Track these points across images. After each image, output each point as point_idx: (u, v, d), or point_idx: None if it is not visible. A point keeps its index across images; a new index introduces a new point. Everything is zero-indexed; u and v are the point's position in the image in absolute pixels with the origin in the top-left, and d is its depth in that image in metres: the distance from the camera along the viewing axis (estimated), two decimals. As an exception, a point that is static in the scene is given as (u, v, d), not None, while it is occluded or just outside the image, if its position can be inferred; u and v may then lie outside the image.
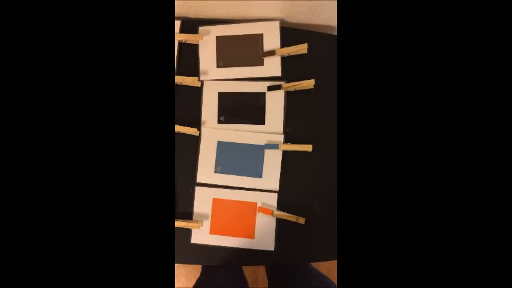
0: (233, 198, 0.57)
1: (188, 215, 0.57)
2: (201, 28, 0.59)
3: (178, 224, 0.55)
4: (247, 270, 1.13)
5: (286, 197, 0.57)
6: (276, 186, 0.57)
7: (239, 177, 0.57)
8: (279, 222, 0.56)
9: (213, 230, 0.56)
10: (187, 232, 0.56)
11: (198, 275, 0.69)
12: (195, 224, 0.55)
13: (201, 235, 0.56)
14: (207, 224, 0.57)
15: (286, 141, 0.57)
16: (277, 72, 0.58)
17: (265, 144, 0.56)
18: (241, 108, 0.58)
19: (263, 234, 0.56)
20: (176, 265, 1.17)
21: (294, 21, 0.61)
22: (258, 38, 0.59)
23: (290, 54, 0.58)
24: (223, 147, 0.57)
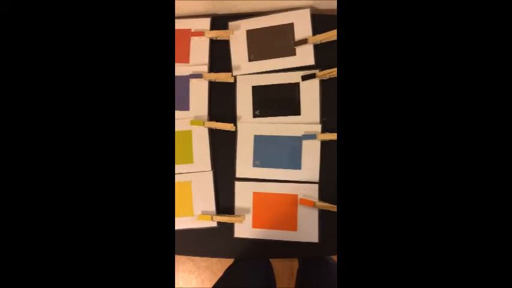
0: (273, 192, 0.56)
1: (230, 210, 0.58)
2: (230, 23, 0.59)
3: (221, 218, 0.56)
4: (283, 265, 1.13)
5: (327, 188, 0.56)
6: (316, 177, 0.56)
7: (278, 170, 0.56)
8: (322, 213, 0.55)
9: (256, 224, 0.56)
10: (230, 226, 0.57)
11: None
12: (238, 218, 0.55)
13: (244, 229, 0.57)
14: (249, 218, 0.57)
15: (323, 130, 0.56)
16: (311, 61, 0.57)
17: (303, 135, 0.56)
18: (275, 100, 0.58)
19: (306, 226, 0.55)
20: (218, 260, 1.19)
21: (324, 7, 0.59)
22: (289, 28, 0.58)
23: (323, 41, 0.56)
24: (260, 141, 0.57)
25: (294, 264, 1.13)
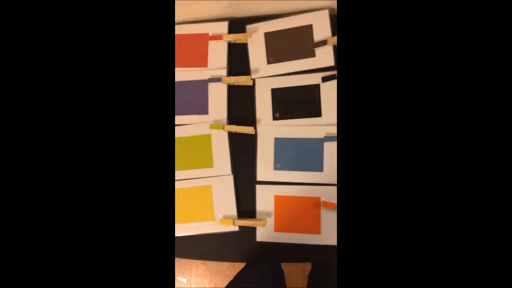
0: (295, 195, 0.56)
1: (251, 214, 0.57)
2: (248, 26, 0.59)
3: (243, 222, 0.55)
4: (297, 267, 1.12)
5: (350, 190, 0.55)
6: (338, 179, 0.55)
7: (299, 172, 0.56)
8: (345, 215, 0.55)
9: (278, 227, 0.56)
10: (252, 230, 0.57)
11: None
12: (260, 222, 0.55)
13: (266, 233, 0.56)
14: (270, 221, 0.56)
15: (345, 132, 0.55)
16: (330, 62, 0.56)
17: (324, 137, 0.55)
18: (295, 102, 0.57)
19: (330, 229, 0.54)
20: (231, 264, 1.19)
21: (342, 8, 0.59)
22: (308, 30, 0.57)
23: (342, 42, 0.56)
24: (280, 144, 0.57)
25: (307, 265, 1.12)
